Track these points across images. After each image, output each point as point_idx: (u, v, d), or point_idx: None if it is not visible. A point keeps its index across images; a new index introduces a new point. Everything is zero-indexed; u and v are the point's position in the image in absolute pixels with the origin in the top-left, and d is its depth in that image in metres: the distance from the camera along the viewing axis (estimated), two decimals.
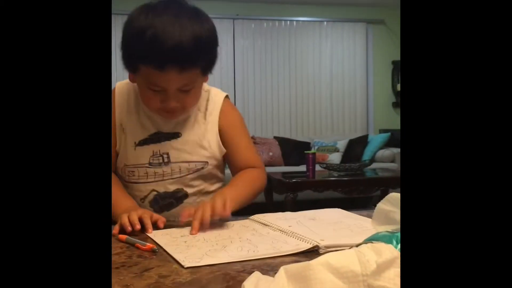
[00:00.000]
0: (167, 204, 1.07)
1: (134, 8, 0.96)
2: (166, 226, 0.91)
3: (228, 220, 0.94)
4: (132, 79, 1.02)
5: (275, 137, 5.35)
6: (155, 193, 1.05)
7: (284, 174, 3.86)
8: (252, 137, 5.16)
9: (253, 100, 5.61)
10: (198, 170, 1.07)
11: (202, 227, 0.87)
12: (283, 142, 5.24)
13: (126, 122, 1.06)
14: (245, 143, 1.13)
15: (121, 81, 1.10)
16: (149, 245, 0.77)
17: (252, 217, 0.97)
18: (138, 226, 0.86)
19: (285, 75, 5.71)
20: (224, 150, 1.09)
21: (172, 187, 1.07)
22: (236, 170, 1.12)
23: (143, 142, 1.05)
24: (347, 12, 5.82)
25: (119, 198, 0.99)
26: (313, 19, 5.74)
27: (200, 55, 0.94)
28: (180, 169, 1.06)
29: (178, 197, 1.07)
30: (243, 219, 0.97)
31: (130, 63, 0.97)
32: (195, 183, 1.08)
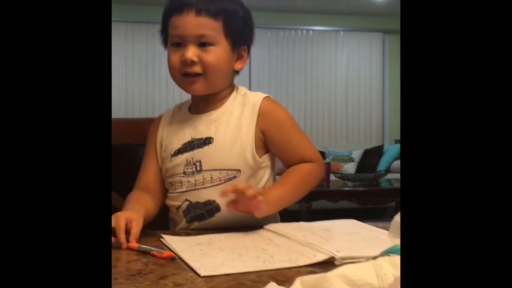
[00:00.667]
0: (198, 215, 1.03)
1: None
2: (175, 234, 0.91)
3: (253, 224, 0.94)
4: (167, 52, 1.06)
5: None
6: (187, 203, 1.03)
7: None
8: None
9: None
10: (230, 179, 1.01)
11: (231, 195, 0.89)
12: None
13: (165, 137, 1.09)
14: (295, 139, 1.08)
15: (173, 106, 1.16)
16: (167, 252, 0.77)
17: (267, 226, 0.96)
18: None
19: (301, 84, 5.71)
20: (259, 159, 1.03)
21: (203, 197, 1.02)
22: (288, 163, 1.08)
23: (177, 152, 1.05)
24: (364, 22, 5.82)
25: (125, 208, 0.98)
26: (330, 28, 5.75)
27: (219, 8, 1.00)
28: (211, 178, 1.02)
29: (209, 210, 1.02)
30: (258, 228, 0.97)
31: (164, 27, 1.05)
32: (230, 194, 0.96)
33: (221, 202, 0.99)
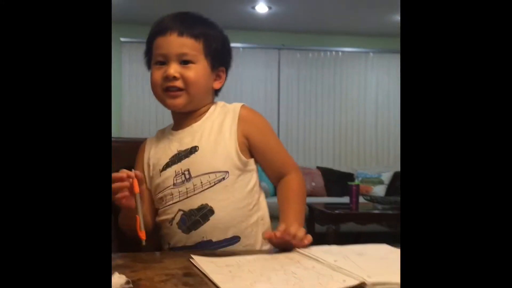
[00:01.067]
0: (194, 223, 1.05)
1: None
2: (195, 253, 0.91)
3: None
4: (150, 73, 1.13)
5: (318, 167, 5.30)
6: (181, 212, 1.05)
7: (326, 205, 3.81)
8: None
9: (296, 129, 5.61)
10: (219, 181, 1.05)
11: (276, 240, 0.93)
12: (326, 173, 5.19)
13: (152, 156, 1.13)
14: (275, 146, 1.14)
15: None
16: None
17: (297, 249, 0.95)
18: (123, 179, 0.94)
19: (330, 105, 5.70)
20: (245, 159, 1.08)
21: (196, 203, 1.05)
22: (272, 173, 1.13)
23: (166, 166, 1.09)
24: (393, 44, 5.78)
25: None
26: (359, 50, 5.74)
27: (199, 30, 1.08)
28: (201, 183, 1.05)
29: (203, 214, 1.04)
30: (288, 251, 0.96)
31: (148, 48, 1.12)
32: (220, 196, 1.05)
33: (215, 204, 1.04)
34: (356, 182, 4.00)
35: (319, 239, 1.21)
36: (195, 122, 1.12)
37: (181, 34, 1.06)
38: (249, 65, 5.47)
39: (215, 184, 1.05)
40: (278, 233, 0.93)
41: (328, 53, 5.72)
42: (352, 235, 3.37)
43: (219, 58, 1.12)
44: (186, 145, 1.09)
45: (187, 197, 1.05)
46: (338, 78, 5.73)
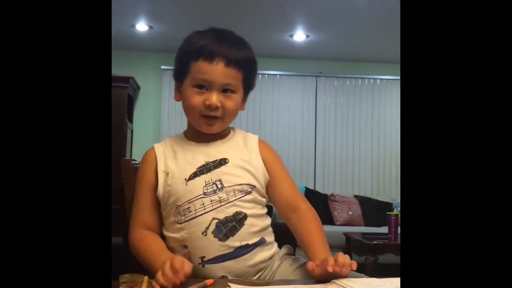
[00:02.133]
0: (231, 228, 1.06)
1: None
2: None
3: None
4: (177, 97, 1.15)
5: (355, 196, 5.22)
6: (216, 221, 1.05)
7: (364, 234, 3.73)
8: (332, 195, 5.07)
9: (333, 157, 5.56)
10: (249, 192, 1.09)
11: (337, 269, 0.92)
12: (364, 201, 5.10)
13: (170, 167, 1.10)
14: (288, 179, 1.18)
15: (155, 144, 1.18)
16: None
17: (335, 280, 0.93)
18: (176, 280, 0.87)
19: (367, 132, 5.63)
20: (268, 178, 1.13)
21: (231, 211, 1.07)
22: (282, 203, 1.14)
23: (193, 176, 1.08)
24: None
25: (157, 253, 1.02)
26: (397, 78, 5.68)
27: (243, 61, 1.08)
28: (234, 192, 1.08)
29: (239, 220, 1.07)
30: (326, 282, 0.93)
31: (182, 68, 1.11)
32: (249, 205, 1.10)
33: (247, 211, 1.08)
34: (395, 212, 3.91)
35: (357, 270, 1.19)
36: (220, 138, 1.15)
37: (228, 64, 1.07)
38: (286, 92, 5.50)
39: (245, 195, 1.09)
40: (329, 268, 0.91)
41: (366, 80, 5.69)
42: (391, 267, 3.26)
43: (252, 85, 1.16)
44: (214, 157, 1.11)
45: (221, 206, 1.06)
46: (376, 106, 5.68)
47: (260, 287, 0.89)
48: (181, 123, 5.44)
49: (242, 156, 1.12)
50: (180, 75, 1.13)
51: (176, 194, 1.08)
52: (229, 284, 0.88)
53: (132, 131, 5.38)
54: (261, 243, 1.10)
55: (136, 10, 4.30)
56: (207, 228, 1.05)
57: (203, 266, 1.05)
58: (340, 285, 0.90)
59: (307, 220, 1.11)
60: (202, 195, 1.06)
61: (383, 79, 5.69)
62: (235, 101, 1.10)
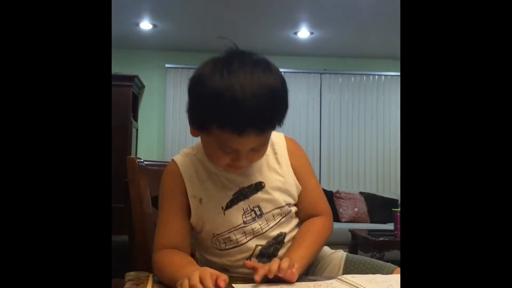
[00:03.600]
0: (274, 250, 1.04)
1: (203, 63, 0.95)
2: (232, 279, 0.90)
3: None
4: (194, 134, 0.98)
5: (361, 193, 5.21)
6: (260, 247, 1.03)
7: (370, 231, 3.72)
8: (337, 192, 5.07)
9: (338, 153, 5.55)
10: (288, 212, 1.06)
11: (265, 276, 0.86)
12: (369, 198, 5.09)
13: (201, 192, 1.02)
14: (313, 184, 1.11)
15: (178, 155, 1.07)
16: None
17: (340, 277, 0.93)
18: None
19: (372, 129, 5.62)
20: (300, 188, 1.08)
21: (272, 235, 1.04)
22: (303, 211, 1.09)
23: (230, 204, 1.02)
24: None
25: (183, 266, 0.92)
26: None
27: (278, 113, 0.92)
28: (274, 217, 1.04)
29: (280, 241, 1.05)
30: (331, 278, 0.93)
31: (201, 123, 0.93)
32: (290, 224, 1.08)
33: (286, 228, 1.05)
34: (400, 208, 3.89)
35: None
36: None
37: (261, 132, 0.90)
38: (291, 89, 5.38)
39: (285, 216, 1.06)
40: (269, 274, 0.86)
41: (371, 77, 5.67)
42: (397, 263, 3.26)
43: (285, 115, 0.96)
44: (249, 181, 1.03)
45: (263, 233, 1.03)
46: (381, 102, 5.66)
47: (264, 285, 0.89)
48: (186, 121, 5.43)
49: (276, 175, 1.05)
50: (198, 126, 0.95)
51: (213, 224, 1.01)
52: (233, 285, 0.88)
53: (137, 130, 5.40)
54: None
55: (140, 9, 4.31)
56: (251, 255, 1.02)
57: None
58: (345, 281, 0.90)
59: (311, 224, 1.08)
60: (243, 225, 1.01)
61: (388, 75, 5.67)
62: (264, 151, 0.99)
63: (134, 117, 5.20)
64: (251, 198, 1.02)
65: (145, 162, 1.22)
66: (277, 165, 1.06)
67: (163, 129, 5.47)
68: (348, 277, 0.92)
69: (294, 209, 1.08)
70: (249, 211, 1.02)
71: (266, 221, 1.03)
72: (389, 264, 1.10)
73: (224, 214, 1.01)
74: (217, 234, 1.02)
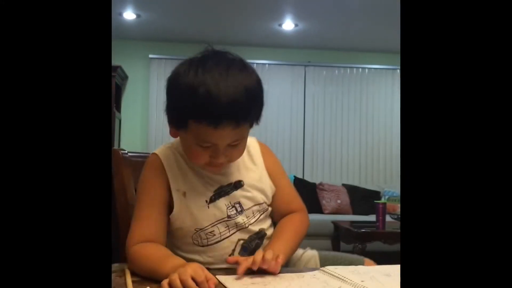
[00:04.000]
0: (255, 246, 1.06)
1: (179, 64, 0.97)
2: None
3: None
4: (173, 134, 1.01)
5: (343, 185, 5.25)
6: (242, 241, 1.04)
7: (352, 223, 3.76)
8: (320, 184, 5.10)
9: (322, 146, 5.58)
10: (265, 210, 1.10)
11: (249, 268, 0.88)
12: (352, 190, 5.13)
13: (184, 185, 1.03)
14: (286, 183, 1.16)
15: (159, 149, 1.07)
16: None
17: (323, 268, 0.94)
18: None
19: (356, 122, 5.66)
20: (274, 189, 1.11)
21: (254, 229, 1.07)
22: (278, 211, 1.13)
23: (214, 198, 1.03)
24: None
25: (165, 257, 0.92)
26: (385, 67, 5.70)
27: (253, 109, 0.94)
28: (253, 213, 1.07)
29: (261, 236, 1.08)
30: (314, 270, 0.94)
31: (179, 120, 0.95)
32: (266, 220, 1.11)
33: (265, 225, 1.08)
34: (383, 200, 3.94)
35: None
36: None
37: (237, 125, 0.91)
38: (275, 81, 5.49)
39: (263, 213, 1.09)
40: (253, 266, 0.88)
41: (354, 70, 5.70)
42: (379, 255, 3.30)
43: (261, 112, 0.99)
44: (229, 179, 1.05)
45: (245, 228, 1.05)
46: (365, 95, 5.70)
47: (249, 276, 0.89)
48: None
49: (253, 175, 1.09)
50: (175, 124, 0.98)
51: (197, 217, 1.02)
52: (217, 276, 0.88)
53: (120, 121, 5.35)
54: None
55: None
56: (233, 250, 1.04)
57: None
58: (328, 273, 0.91)
59: (289, 220, 1.11)
60: (227, 218, 1.03)
61: (372, 68, 5.70)
62: (242, 147, 1.00)
63: (117, 108, 5.16)
64: (232, 194, 1.05)
65: (129, 154, 1.21)
66: (252, 165, 1.10)
67: (146, 120, 5.44)
68: (331, 268, 0.93)
69: (269, 208, 1.11)
70: (231, 206, 1.04)
71: (247, 217, 1.05)
72: (358, 256, 1.16)
73: (208, 207, 1.02)
74: (200, 229, 1.02)
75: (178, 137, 1.04)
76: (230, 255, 1.03)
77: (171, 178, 1.02)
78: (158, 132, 5.40)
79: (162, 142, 5.36)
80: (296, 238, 1.07)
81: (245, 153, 1.06)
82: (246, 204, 1.06)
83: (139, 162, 1.21)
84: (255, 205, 1.07)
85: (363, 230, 3.34)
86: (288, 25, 4.84)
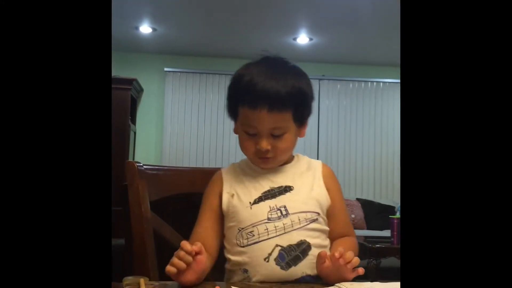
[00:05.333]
0: (294, 258, 1.04)
1: None
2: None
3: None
4: (235, 130, 1.13)
5: (357, 199, 5.21)
6: (279, 248, 1.03)
7: (366, 238, 3.72)
8: None
9: (336, 160, 5.56)
10: (314, 220, 1.08)
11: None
12: (366, 205, 5.09)
13: (237, 188, 1.10)
14: (344, 208, 1.18)
15: (223, 168, 1.17)
16: None
17: (338, 284, 0.93)
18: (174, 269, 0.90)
19: (370, 136, 5.63)
20: (330, 203, 1.11)
21: (295, 239, 1.05)
22: (335, 231, 1.12)
23: (258, 200, 1.07)
24: None
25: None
26: (399, 81, 5.67)
27: (289, 99, 1.03)
28: (299, 220, 1.06)
29: (303, 250, 1.05)
30: (328, 285, 0.93)
31: (230, 109, 1.10)
32: (314, 234, 1.08)
33: (311, 240, 1.05)
34: (398, 215, 3.90)
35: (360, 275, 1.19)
36: (283, 165, 1.13)
37: (271, 109, 1.02)
38: None
39: (311, 223, 1.07)
40: (336, 253, 0.93)
41: (369, 84, 5.69)
42: (393, 270, 3.26)
43: (307, 113, 1.11)
44: (279, 183, 1.10)
45: (285, 233, 1.04)
46: (379, 109, 5.68)
47: None
48: (184, 124, 5.44)
49: (306, 183, 1.11)
50: (231, 115, 1.12)
51: (240, 217, 1.07)
52: (232, 287, 0.87)
53: (135, 133, 5.39)
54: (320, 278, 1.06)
55: (139, 13, 4.32)
56: (270, 254, 1.03)
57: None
58: None
59: (345, 239, 1.13)
60: (266, 220, 1.05)
61: (386, 82, 5.69)
62: (287, 141, 1.08)
63: (132, 120, 5.20)
64: (279, 197, 1.08)
65: (144, 166, 1.22)
66: (310, 177, 1.13)
67: (161, 133, 5.47)
68: (346, 284, 0.92)
69: (322, 220, 1.09)
70: (275, 209, 1.06)
71: (291, 221, 1.05)
72: None
73: (251, 208, 1.06)
74: (242, 228, 1.06)
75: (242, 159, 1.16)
76: (265, 259, 1.03)
77: (225, 183, 1.12)
78: (172, 144, 5.43)
79: (176, 154, 5.39)
80: (352, 249, 1.06)
81: (304, 164, 1.15)
82: (292, 208, 1.06)
83: (154, 175, 1.21)
84: (302, 212, 1.06)
85: (378, 246, 3.30)
86: (302, 39, 4.86)
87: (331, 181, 1.15)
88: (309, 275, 1.04)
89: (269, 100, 1.01)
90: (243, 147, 1.10)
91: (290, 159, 1.15)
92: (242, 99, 1.05)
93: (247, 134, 1.06)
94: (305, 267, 1.03)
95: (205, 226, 1.09)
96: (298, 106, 1.06)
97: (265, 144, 1.04)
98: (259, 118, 1.02)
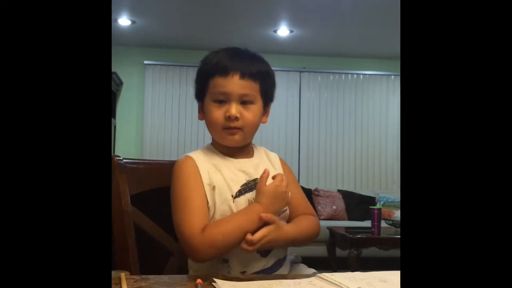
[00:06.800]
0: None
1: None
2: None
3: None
4: (201, 117, 1.18)
5: (339, 190, 5.26)
6: None
7: (347, 229, 3.76)
8: (316, 190, 5.10)
9: (317, 152, 5.59)
10: (285, 210, 1.15)
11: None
12: (347, 196, 5.14)
13: (216, 181, 1.10)
14: (300, 192, 1.24)
15: (193, 152, 1.16)
16: None
17: (320, 275, 0.93)
18: None
19: (351, 127, 5.67)
20: (290, 195, 1.15)
21: None
22: (295, 212, 1.19)
23: (239, 194, 1.10)
24: None
25: (242, 212, 1.07)
26: (380, 73, 5.72)
27: (257, 73, 1.12)
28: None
29: None
30: (310, 276, 0.94)
31: (201, 85, 1.14)
32: (284, 222, 1.15)
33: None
34: (378, 206, 3.94)
35: (341, 264, 1.23)
36: (249, 155, 1.19)
37: (242, 76, 1.10)
38: None
39: (283, 213, 1.14)
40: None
41: (349, 76, 5.72)
42: (374, 260, 3.30)
43: (270, 95, 1.19)
44: (252, 175, 1.14)
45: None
46: (360, 101, 5.72)
47: (246, 282, 0.89)
48: (164, 118, 5.41)
49: (272, 174, 1.14)
50: (200, 94, 1.16)
51: (223, 210, 1.08)
52: (214, 279, 0.88)
53: (115, 127, 5.34)
54: (286, 256, 1.17)
55: (118, 5, 4.26)
56: None
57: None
58: (325, 279, 0.90)
59: (304, 216, 1.18)
60: None
61: (366, 74, 5.72)
62: (254, 112, 1.12)
63: (112, 114, 5.15)
64: (255, 191, 1.11)
65: (124, 160, 1.21)
66: (271, 168, 1.19)
67: (141, 126, 5.43)
68: (327, 275, 0.93)
69: (287, 211, 1.16)
70: (252, 203, 1.09)
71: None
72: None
73: (234, 201, 1.09)
74: None
75: (207, 144, 1.19)
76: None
77: (203, 174, 1.10)
78: (153, 138, 5.40)
79: (157, 148, 5.36)
80: (305, 230, 1.14)
81: (263, 155, 1.22)
82: None
83: (134, 169, 1.20)
84: None
85: (359, 236, 3.33)
86: (283, 31, 4.86)
87: (288, 173, 1.22)
88: (282, 258, 1.13)
89: (240, 70, 1.09)
90: (211, 121, 1.12)
91: (252, 151, 1.20)
92: (214, 71, 1.11)
93: (217, 102, 1.10)
94: (279, 251, 1.12)
95: (204, 209, 1.07)
96: (265, 82, 1.14)
97: (234, 110, 1.09)
98: (232, 83, 1.09)
